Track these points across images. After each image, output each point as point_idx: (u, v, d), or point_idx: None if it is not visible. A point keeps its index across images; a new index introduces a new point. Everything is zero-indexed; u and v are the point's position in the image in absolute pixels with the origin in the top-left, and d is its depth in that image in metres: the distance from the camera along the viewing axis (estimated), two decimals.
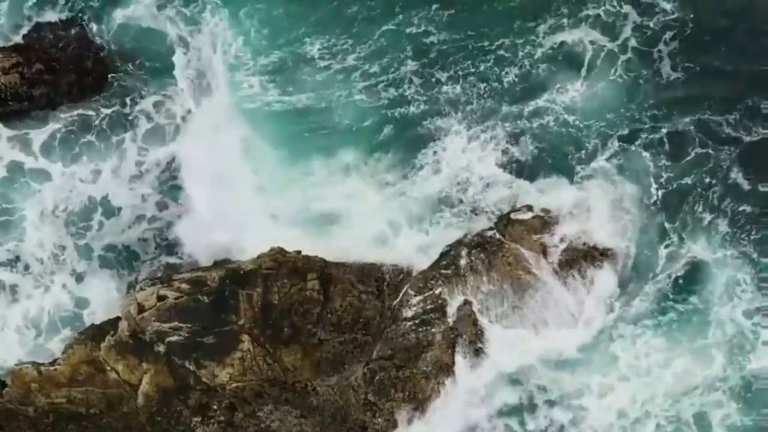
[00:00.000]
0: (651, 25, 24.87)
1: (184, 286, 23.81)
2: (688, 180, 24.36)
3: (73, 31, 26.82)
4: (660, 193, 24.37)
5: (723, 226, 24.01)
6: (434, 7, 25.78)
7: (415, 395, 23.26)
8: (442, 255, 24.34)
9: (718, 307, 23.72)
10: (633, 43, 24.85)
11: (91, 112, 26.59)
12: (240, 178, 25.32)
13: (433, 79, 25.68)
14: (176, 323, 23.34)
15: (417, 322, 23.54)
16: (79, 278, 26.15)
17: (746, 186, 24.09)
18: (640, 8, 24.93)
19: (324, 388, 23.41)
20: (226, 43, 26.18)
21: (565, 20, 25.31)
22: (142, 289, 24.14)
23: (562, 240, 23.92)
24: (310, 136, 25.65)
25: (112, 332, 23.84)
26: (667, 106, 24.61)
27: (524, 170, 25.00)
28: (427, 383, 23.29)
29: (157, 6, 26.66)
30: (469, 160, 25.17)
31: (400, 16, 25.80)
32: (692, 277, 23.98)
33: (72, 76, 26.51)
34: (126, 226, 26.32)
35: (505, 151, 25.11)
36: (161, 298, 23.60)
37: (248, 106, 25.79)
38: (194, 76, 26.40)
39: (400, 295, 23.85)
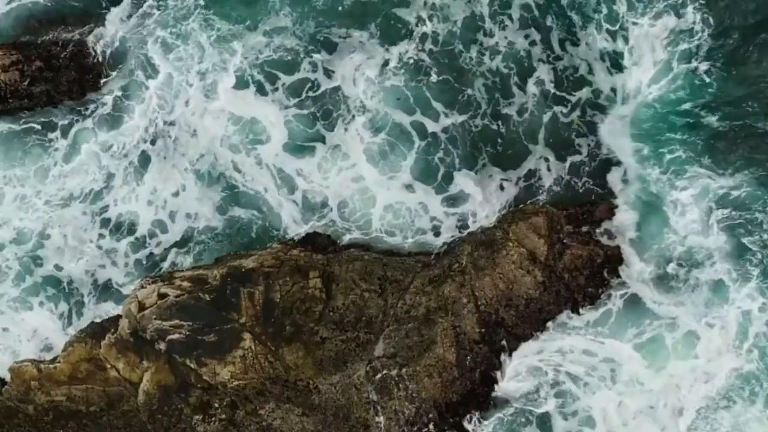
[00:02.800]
0: (686, 29, 24.69)
1: (185, 283, 23.74)
2: (721, 187, 23.93)
3: (74, 29, 26.83)
4: (688, 196, 24.05)
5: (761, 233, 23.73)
6: None
7: (419, 393, 23.22)
8: (446, 252, 24.40)
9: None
10: (674, 47, 24.70)
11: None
12: None
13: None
14: (177, 321, 23.26)
15: (420, 320, 23.49)
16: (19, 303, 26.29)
17: None
18: (676, 15, 24.77)
19: (326, 386, 23.35)
20: None
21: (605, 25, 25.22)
22: (143, 287, 24.03)
23: (567, 238, 23.92)
24: None
25: (112, 330, 23.78)
26: (708, 110, 24.36)
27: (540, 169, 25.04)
28: (430, 381, 23.25)
29: None
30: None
31: None
32: (714, 288, 23.72)
33: (72, 74, 26.43)
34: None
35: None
36: (162, 296, 23.51)
37: None
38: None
39: (403, 293, 23.78)
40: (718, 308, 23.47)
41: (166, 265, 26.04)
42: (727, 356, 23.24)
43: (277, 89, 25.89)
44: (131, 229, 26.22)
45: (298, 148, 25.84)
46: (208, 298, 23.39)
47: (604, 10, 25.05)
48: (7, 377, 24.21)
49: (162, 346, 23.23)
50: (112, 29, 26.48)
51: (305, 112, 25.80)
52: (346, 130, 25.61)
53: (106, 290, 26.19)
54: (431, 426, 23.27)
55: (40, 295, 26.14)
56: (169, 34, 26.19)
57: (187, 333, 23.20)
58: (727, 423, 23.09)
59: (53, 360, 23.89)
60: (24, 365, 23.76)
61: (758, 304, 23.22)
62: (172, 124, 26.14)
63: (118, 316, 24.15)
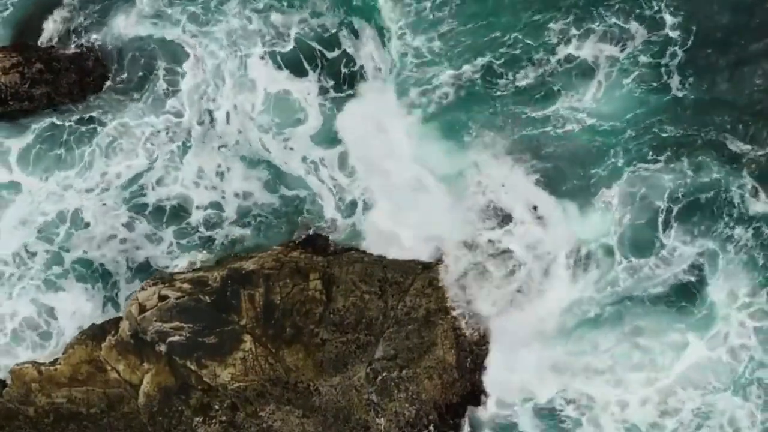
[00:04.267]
0: (657, 39, 24.62)
1: (185, 285, 23.75)
2: (697, 193, 23.99)
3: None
4: (669, 205, 24.00)
5: (733, 238, 23.78)
6: None
7: (419, 395, 23.23)
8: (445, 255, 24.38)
9: (725, 315, 23.65)
10: (643, 58, 24.61)
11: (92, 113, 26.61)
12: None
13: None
14: (178, 323, 23.27)
15: (420, 322, 23.51)
16: (50, 289, 25.97)
17: (756, 199, 23.87)
18: (646, 23, 24.69)
19: (326, 388, 23.35)
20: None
21: (574, 33, 25.01)
22: (143, 289, 24.03)
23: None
24: None
25: (113, 332, 23.78)
26: (677, 120, 24.32)
27: (530, 178, 24.76)
28: (430, 383, 23.26)
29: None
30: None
31: None
32: (697, 286, 23.83)
33: (73, 76, 26.41)
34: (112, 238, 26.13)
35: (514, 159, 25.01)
36: (162, 297, 23.53)
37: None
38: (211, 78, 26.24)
39: (403, 294, 23.80)
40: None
41: (221, 240, 25.80)
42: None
43: (317, 67, 25.67)
44: (183, 210, 25.94)
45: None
46: (208, 300, 23.40)
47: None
48: (8, 379, 24.16)
49: (162, 347, 23.24)
50: (143, 7, 26.27)
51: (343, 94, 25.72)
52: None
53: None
54: (431, 427, 23.30)
55: (85, 276, 25.97)
56: (202, 10, 25.95)
57: (188, 335, 23.20)
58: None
59: (54, 362, 23.87)
60: (24, 367, 23.74)
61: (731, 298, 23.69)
62: (211, 105, 25.94)
63: (119, 318, 24.16)
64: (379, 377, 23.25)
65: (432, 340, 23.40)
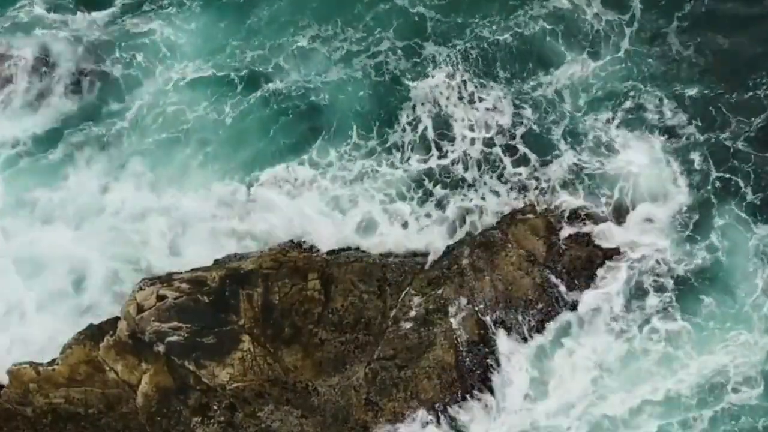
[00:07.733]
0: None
1: (183, 285, 23.69)
2: (702, 162, 23.89)
3: None
4: (673, 179, 23.99)
5: (746, 210, 23.60)
6: None
7: (417, 395, 23.18)
8: (444, 254, 24.30)
9: (748, 301, 23.31)
10: (641, 16, 24.13)
11: None
12: None
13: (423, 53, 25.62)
14: (176, 323, 23.22)
15: (419, 322, 23.45)
16: None
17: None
18: None
19: (325, 388, 23.29)
20: None
21: None
22: (141, 289, 23.99)
23: (566, 240, 23.90)
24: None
25: (111, 332, 23.70)
26: (679, 82, 24.05)
27: (524, 152, 24.86)
28: (429, 383, 23.21)
29: None
30: (463, 143, 25.13)
31: None
32: (708, 272, 23.66)
33: None
34: None
35: (503, 132, 24.89)
36: (161, 297, 23.47)
37: None
38: None
39: (402, 294, 23.76)
40: None
41: None
42: None
43: None
44: None
45: None
46: (207, 300, 23.36)
47: None
48: (5, 380, 24.09)
49: (161, 348, 23.17)
50: None
51: None
52: None
53: None
54: (431, 427, 23.23)
55: None
56: None
57: (186, 335, 23.16)
58: None
59: (52, 362, 23.79)
60: (22, 367, 23.64)
61: None
62: None
63: (117, 318, 24.10)
64: (378, 377, 23.20)
65: (431, 340, 23.32)
